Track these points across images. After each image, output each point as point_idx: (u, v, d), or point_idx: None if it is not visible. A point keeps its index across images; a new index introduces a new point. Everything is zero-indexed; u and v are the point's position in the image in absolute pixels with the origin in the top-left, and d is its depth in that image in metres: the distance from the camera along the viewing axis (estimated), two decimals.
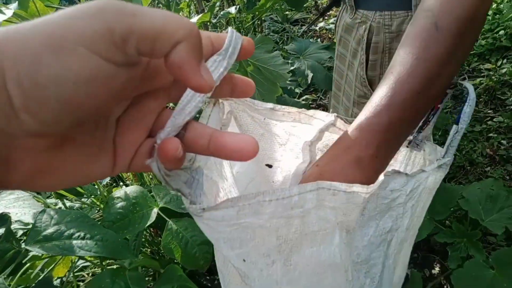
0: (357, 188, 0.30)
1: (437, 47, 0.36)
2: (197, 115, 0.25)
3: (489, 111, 1.58)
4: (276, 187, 0.43)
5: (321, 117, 0.41)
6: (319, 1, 3.43)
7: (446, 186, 1.05)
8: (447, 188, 1.00)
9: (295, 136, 0.41)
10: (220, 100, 0.33)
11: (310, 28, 3.06)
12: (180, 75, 0.19)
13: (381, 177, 0.33)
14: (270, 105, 0.38)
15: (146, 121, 0.23)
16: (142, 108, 0.23)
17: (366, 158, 0.34)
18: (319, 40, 2.82)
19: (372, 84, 0.79)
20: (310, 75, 1.11)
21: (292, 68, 1.16)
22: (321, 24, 3.07)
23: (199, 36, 0.19)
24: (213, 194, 0.31)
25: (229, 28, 0.24)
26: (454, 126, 0.38)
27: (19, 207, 0.50)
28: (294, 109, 0.40)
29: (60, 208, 0.66)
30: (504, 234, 0.86)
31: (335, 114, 0.41)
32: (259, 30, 2.52)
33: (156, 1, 1.42)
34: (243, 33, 2.19)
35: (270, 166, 0.43)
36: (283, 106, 0.39)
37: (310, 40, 2.25)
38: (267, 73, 1.01)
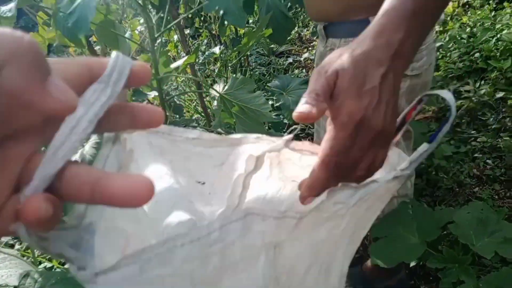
0: (290, 213, 0.28)
1: None
2: None
3: (472, 132, 1.63)
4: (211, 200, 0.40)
5: (265, 139, 0.39)
6: (302, 34, 3.55)
7: (436, 210, 1.07)
8: (436, 213, 1.01)
9: (230, 160, 0.39)
10: (123, 136, 0.28)
11: (295, 59, 3.15)
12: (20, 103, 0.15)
13: (325, 193, 0.33)
14: (195, 133, 0.36)
15: (8, 173, 0.18)
16: (1, 155, 0.17)
17: (396, 42, 0.35)
18: (304, 70, 2.90)
19: None
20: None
21: (277, 104, 1.19)
22: (305, 55, 3.16)
23: (33, 48, 0.16)
24: (121, 248, 0.28)
25: (114, 52, 0.21)
26: (425, 144, 0.38)
27: (5, 268, 0.50)
28: (221, 137, 0.37)
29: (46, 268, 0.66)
30: (498, 256, 0.87)
31: (285, 138, 0.39)
32: (245, 64, 2.60)
33: (144, 41, 1.47)
34: (229, 70, 2.25)
35: (203, 183, 0.40)
36: (212, 134, 0.37)
37: (291, 76, 2.30)
38: (250, 113, 1.04)
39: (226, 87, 1.06)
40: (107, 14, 1.28)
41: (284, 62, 3.10)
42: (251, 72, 2.82)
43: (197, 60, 1.40)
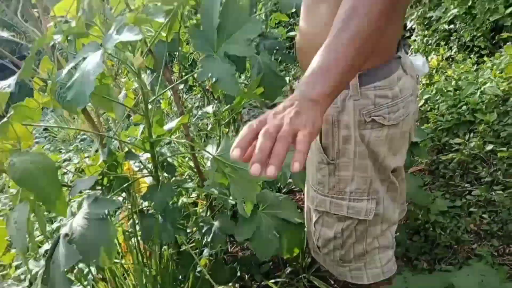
0: None
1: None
2: None
3: (466, 185, 1.63)
4: None
5: None
6: (293, 86, 3.65)
7: (435, 271, 1.04)
8: (434, 277, 0.98)
9: None
10: None
11: None
12: None
13: None
14: None
15: None
16: None
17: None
18: None
19: (326, 150, 0.89)
20: (288, 173, 1.14)
21: None
22: None
23: None
24: None
25: None
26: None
27: None
28: None
29: None
30: None
31: None
32: (239, 118, 2.63)
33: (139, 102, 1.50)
34: (222, 126, 2.28)
35: None
36: None
37: None
38: (243, 173, 1.03)
39: (219, 149, 1.06)
40: (102, 78, 1.31)
41: None
42: (242, 119, 2.85)
43: (190, 119, 1.42)
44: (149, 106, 1.16)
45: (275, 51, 2.28)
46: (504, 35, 2.38)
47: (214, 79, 0.97)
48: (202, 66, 1.00)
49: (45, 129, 3.99)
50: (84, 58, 0.84)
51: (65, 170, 2.88)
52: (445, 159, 1.71)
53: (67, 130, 3.77)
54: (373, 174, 0.90)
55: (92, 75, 0.76)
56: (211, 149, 1.06)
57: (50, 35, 0.96)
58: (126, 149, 1.39)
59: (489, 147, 1.63)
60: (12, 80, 0.84)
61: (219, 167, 1.05)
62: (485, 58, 2.38)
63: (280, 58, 2.56)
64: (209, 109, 1.49)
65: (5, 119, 0.95)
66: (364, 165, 0.89)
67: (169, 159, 1.48)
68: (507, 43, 2.32)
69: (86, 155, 3.03)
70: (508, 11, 2.47)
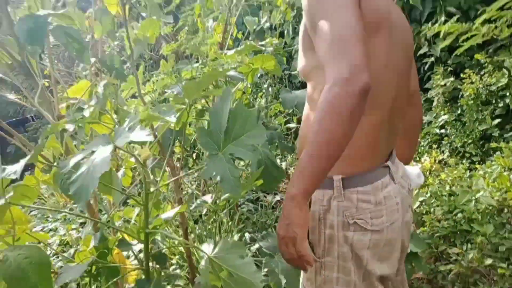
0: None
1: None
2: None
3: None
4: None
5: None
6: (289, 171, 3.70)
7: None
8: None
9: None
10: None
11: (283, 197, 3.21)
12: None
13: None
14: None
15: None
16: None
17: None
18: None
19: (313, 247, 0.91)
20: (283, 280, 1.10)
21: (265, 270, 1.15)
22: None
23: None
24: None
25: None
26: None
27: None
28: None
29: None
30: None
31: None
32: (235, 207, 2.61)
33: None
34: (220, 213, 2.26)
35: None
36: None
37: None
38: (239, 279, 0.99)
39: (216, 250, 1.03)
40: None
41: (272, 200, 3.14)
42: (239, 209, 2.82)
43: (188, 209, 1.40)
44: (149, 196, 1.15)
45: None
46: (493, 145, 2.48)
47: (218, 178, 0.99)
48: (207, 164, 1.02)
49: None
50: (93, 152, 0.85)
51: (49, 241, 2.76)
52: (443, 270, 1.67)
53: (57, 198, 3.69)
54: (356, 279, 0.89)
55: (98, 172, 0.76)
56: (208, 248, 1.03)
57: (63, 123, 0.99)
58: (119, 233, 1.34)
59: (488, 261, 1.60)
60: (18, 167, 0.84)
61: (214, 270, 1.01)
62: (477, 166, 2.45)
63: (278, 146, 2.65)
64: (208, 198, 1.48)
65: (2, 200, 0.92)
66: (348, 267, 0.88)
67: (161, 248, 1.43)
68: (497, 153, 2.42)
69: (73, 226, 2.93)
70: (495, 122, 2.62)
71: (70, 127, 0.97)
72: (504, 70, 2.63)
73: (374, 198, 0.86)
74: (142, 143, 1.07)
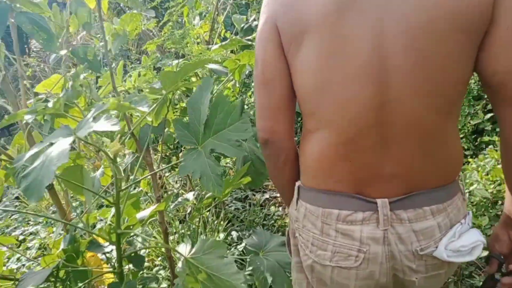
0: None
1: None
2: None
3: None
4: None
5: None
6: None
7: None
8: None
9: None
10: None
11: (272, 195, 3.13)
12: None
13: None
14: None
15: None
16: None
17: None
18: (280, 208, 2.84)
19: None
20: (270, 278, 1.03)
21: (249, 269, 1.07)
22: None
23: None
24: None
25: None
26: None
27: None
28: None
29: None
30: None
31: None
32: (221, 205, 2.53)
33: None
34: (205, 211, 2.17)
35: None
36: None
37: (273, 234, 2.23)
38: (219, 282, 0.91)
39: (194, 250, 0.94)
40: (76, 159, 1.23)
41: (260, 198, 3.06)
42: (226, 208, 2.73)
43: (167, 207, 1.31)
44: (121, 193, 1.06)
45: None
46: (486, 138, 2.44)
47: (197, 175, 0.90)
48: (185, 160, 0.93)
49: (17, 197, 3.77)
50: (51, 144, 0.76)
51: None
52: None
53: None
54: None
55: (54, 165, 0.68)
56: (184, 249, 0.95)
57: (21, 114, 0.90)
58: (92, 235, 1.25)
59: (484, 253, 1.54)
60: None
61: (192, 272, 0.92)
62: (470, 159, 2.41)
63: None
64: (190, 196, 1.39)
65: None
66: (300, 278, 0.85)
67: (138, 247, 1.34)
68: (489, 146, 2.37)
69: (54, 229, 2.82)
70: (487, 116, 2.58)
71: (29, 117, 0.88)
72: None
73: (321, 226, 0.72)
74: (112, 137, 0.99)
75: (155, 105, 1.09)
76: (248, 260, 1.12)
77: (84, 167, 1.20)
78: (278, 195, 3.11)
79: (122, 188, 1.05)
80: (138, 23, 1.83)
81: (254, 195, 3.14)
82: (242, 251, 1.84)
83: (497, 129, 2.55)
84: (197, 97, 0.97)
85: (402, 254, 0.69)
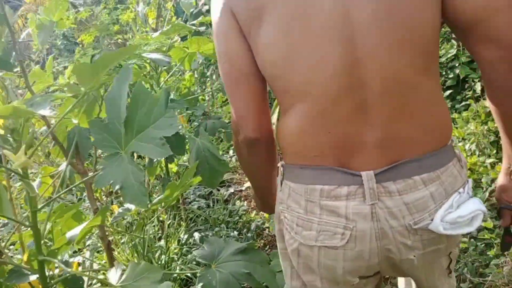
0: None
1: None
2: None
3: None
4: None
5: None
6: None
7: None
8: None
9: None
10: None
11: (237, 189, 3.01)
12: None
13: None
14: None
15: None
16: None
17: None
18: (245, 202, 2.72)
19: None
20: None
21: (199, 285, 0.93)
22: (247, 184, 3.03)
23: None
24: None
25: None
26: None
27: None
28: None
29: None
30: None
31: None
32: (180, 201, 2.37)
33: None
34: (156, 214, 2.01)
35: None
36: None
37: (227, 238, 2.10)
38: None
39: (124, 277, 0.79)
40: None
41: (225, 193, 2.93)
42: (188, 206, 2.58)
43: (105, 221, 1.14)
44: (38, 213, 0.89)
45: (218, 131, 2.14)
46: None
47: (117, 186, 0.75)
48: (104, 168, 0.77)
49: None
50: None
51: None
52: None
53: None
54: (294, 283, 0.78)
55: None
56: (114, 275, 0.80)
57: None
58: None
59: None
60: None
61: None
62: None
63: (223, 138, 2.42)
64: (132, 206, 1.23)
65: None
66: (284, 265, 0.81)
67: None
68: None
69: None
70: (446, 93, 2.55)
71: None
72: (453, 41, 2.56)
73: (305, 204, 0.67)
74: (14, 148, 0.81)
75: (71, 105, 0.91)
76: (198, 275, 0.98)
77: (1, 183, 1.01)
78: (243, 188, 2.99)
79: (39, 207, 0.88)
80: (64, 11, 1.62)
81: (219, 190, 3.00)
82: None
83: (457, 106, 2.53)
84: (115, 91, 0.81)
85: (395, 230, 0.64)
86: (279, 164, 0.77)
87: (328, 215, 0.65)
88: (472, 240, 1.52)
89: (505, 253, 1.30)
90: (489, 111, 1.98)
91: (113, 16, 1.50)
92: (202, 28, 1.84)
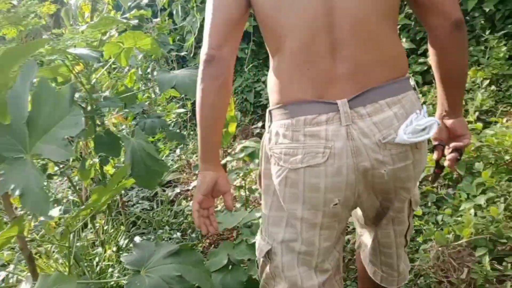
0: None
1: None
2: None
3: None
4: None
5: None
6: (191, 160, 3.43)
7: None
8: None
9: None
10: None
11: (183, 188, 2.94)
12: None
13: None
14: None
15: None
16: None
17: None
18: (191, 203, 2.66)
19: None
20: None
21: None
22: (194, 183, 2.97)
23: None
24: None
25: None
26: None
27: None
28: None
29: None
30: None
31: None
32: (119, 204, 2.26)
33: None
34: (88, 216, 1.89)
35: None
36: None
37: (169, 240, 2.03)
38: None
39: None
40: None
41: (171, 194, 2.84)
42: (129, 209, 2.48)
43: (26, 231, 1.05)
44: None
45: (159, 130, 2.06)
46: None
47: (17, 192, 0.68)
48: (4, 174, 0.70)
49: None
50: None
51: None
52: None
53: None
54: (272, 213, 0.90)
55: None
56: None
57: None
58: None
59: None
60: None
61: None
62: None
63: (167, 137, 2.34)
64: (55, 212, 1.14)
65: None
66: (269, 202, 0.91)
67: None
68: None
69: None
70: None
71: None
72: None
73: (291, 134, 0.80)
74: None
75: None
76: (125, 282, 0.93)
77: None
78: (190, 188, 2.92)
79: None
80: None
81: (164, 191, 2.91)
82: None
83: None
84: (18, 89, 0.73)
85: (368, 147, 0.76)
86: (268, 110, 0.88)
87: (311, 139, 0.78)
88: None
89: (432, 237, 1.38)
90: None
91: (29, 8, 1.38)
92: (134, 22, 1.75)
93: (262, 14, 0.80)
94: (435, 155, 0.94)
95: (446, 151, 0.92)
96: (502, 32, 2.30)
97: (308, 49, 0.77)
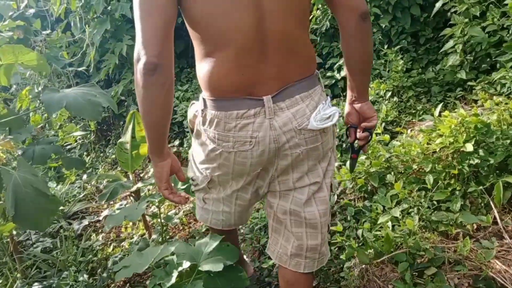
0: None
1: None
2: None
3: None
4: None
5: None
6: (101, 186, 3.10)
7: None
8: None
9: None
10: None
11: (92, 220, 2.63)
12: None
13: None
14: None
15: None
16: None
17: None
18: (101, 237, 2.38)
19: None
20: None
21: None
22: (106, 212, 2.67)
23: None
24: None
25: None
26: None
27: None
28: None
29: None
30: None
31: None
32: (11, 245, 1.92)
33: None
34: None
35: None
36: None
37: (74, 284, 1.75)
38: None
39: None
40: None
41: (77, 227, 2.51)
42: (27, 251, 2.13)
43: None
44: None
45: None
46: None
47: None
48: None
49: None
50: None
51: None
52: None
53: None
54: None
55: None
56: None
57: None
58: None
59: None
60: None
61: None
62: None
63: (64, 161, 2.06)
64: None
65: None
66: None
67: None
68: None
69: None
70: None
71: None
72: None
73: (224, 125, 0.94)
74: None
75: None
76: None
77: None
78: (101, 218, 2.62)
79: None
80: None
81: (70, 224, 2.57)
82: None
83: None
84: None
85: (288, 134, 0.94)
86: (201, 96, 0.99)
87: (241, 131, 0.94)
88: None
89: (354, 254, 1.37)
90: None
91: None
92: (9, 34, 1.50)
93: (200, 17, 0.87)
94: (349, 138, 1.12)
95: (358, 134, 1.09)
96: (398, 46, 2.48)
97: (242, 57, 0.89)
